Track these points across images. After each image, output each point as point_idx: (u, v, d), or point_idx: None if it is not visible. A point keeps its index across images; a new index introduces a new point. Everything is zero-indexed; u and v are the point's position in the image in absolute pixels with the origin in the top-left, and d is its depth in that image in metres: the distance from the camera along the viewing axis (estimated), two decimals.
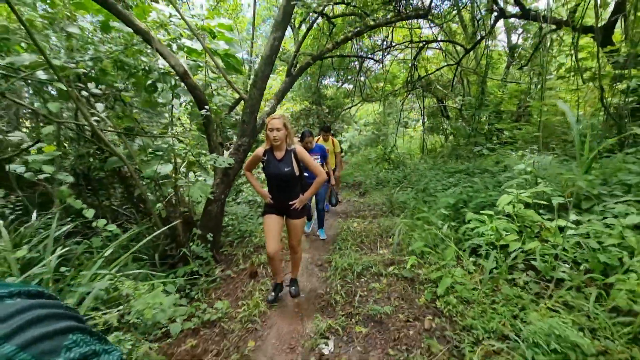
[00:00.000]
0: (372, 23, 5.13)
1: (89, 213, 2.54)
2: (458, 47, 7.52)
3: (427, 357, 1.76)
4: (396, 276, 2.71)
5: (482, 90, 5.96)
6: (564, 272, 1.97)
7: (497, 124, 6.69)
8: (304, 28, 5.82)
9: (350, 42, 7.38)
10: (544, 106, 6.42)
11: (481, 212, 2.64)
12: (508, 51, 8.46)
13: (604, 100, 3.71)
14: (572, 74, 4.28)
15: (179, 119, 5.42)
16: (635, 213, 2.01)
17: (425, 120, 9.34)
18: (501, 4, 6.84)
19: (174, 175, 3.24)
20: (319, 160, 3.83)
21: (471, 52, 7.18)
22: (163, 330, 2.19)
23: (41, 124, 4.97)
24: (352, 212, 5.08)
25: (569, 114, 1.73)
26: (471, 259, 2.50)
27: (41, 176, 2.27)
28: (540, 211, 2.61)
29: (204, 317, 2.45)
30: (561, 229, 2.27)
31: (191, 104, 4.48)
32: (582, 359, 1.47)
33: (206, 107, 3.19)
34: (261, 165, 2.45)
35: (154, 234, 2.74)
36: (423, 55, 8.53)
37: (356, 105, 10.32)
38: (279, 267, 2.58)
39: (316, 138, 4.67)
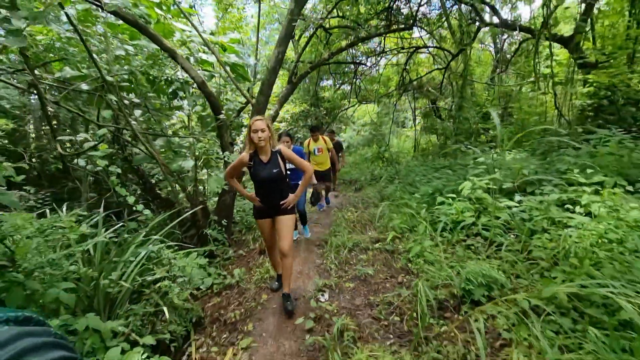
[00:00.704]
0: (364, 34, 5.81)
1: (130, 199, 3.18)
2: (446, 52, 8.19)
3: (397, 298, 2.42)
4: (380, 250, 3.37)
5: (460, 94, 6.63)
6: (501, 236, 2.63)
7: (481, 123, 7.35)
8: (304, 36, 6.48)
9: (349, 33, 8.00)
10: (526, 106, 7.08)
11: (446, 195, 3.30)
12: (494, 55, 9.15)
13: (557, 103, 4.38)
14: (539, 79, 4.95)
15: (183, 121, 6.08)
16: (557, 192, 2.67)
17: (418, 120, 10.01)
18: (487, 15, 7.52)
19: (194, 170, 3.90)
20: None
21: (459, 57, 7.85)
22: (198, 284, 2.84)
23: (63, 127, 5.62)
24: (347, 204, 5.74)
25: (496, 118, 2.38)
26: (439, 232, 3.15)
27: (97, 168, 2.92)
28: (497, 195, 3.27)
29: (224, 282, 3.10)
30: (509, 207, 2.93)
31: (200, 107, 5.15)
32: (501, 290, 2.12)
33: (222, 112, 3.85)
34: (248, 170, 2.51)
35: (183, 216, 3.40)
36: (416, 60, 9.20)
37: (352, 106, 10.98)
38: (278, 257, 2.74)
39: (307, 140, 5.12)
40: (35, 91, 2.67)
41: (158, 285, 2.35)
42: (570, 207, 2.55)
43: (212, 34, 4.92)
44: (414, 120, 9.04)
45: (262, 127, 2.32)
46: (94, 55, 3.46)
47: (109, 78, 2.94)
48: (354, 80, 8.99)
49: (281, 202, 2.50)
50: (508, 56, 8.62)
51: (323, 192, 5.64)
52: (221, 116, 3.82)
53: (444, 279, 2.34)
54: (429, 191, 4.11)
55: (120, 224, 3.08)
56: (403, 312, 2.27)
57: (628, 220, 2.01)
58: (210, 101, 4.10)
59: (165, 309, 2.12)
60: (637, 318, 1.36)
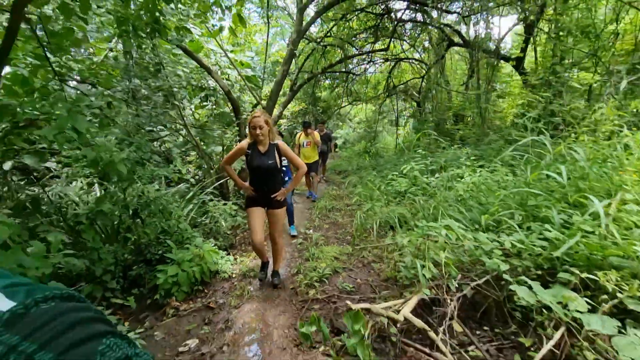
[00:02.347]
0: (351, 53, 7.61)
1: (184, 169, 4.98)
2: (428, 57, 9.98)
3: (351, 228, 4.25)
4: (349, 210, 5.20)
5: (423, 102, 8.45)
6: (418, 196, 4.46)
7: (451, 125, 9.18)
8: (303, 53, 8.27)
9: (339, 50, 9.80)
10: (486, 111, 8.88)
11: (392, 173, 5.14)
12: (469, 66, 10.96)
13: (482, 115, 6.21)
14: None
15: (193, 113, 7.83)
16: (454, 170, 4.49)
17: (403, 119, 11.83)
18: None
19: (222, 153, 5.71)
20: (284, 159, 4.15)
21: (433, 68, 9.65)
22: (232, 222, 4.65)
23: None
24: (334, 186, 7.57)
25: (411, 128, 4.12)
26: (386, 196, 4.98)
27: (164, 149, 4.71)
28: (428, 173, 5.10)
29: (246, 227, 4.92)
30: (432, 181, 4.77)
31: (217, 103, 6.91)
32: (407, 222, 3.94)
33: (245, 113, 5.65)
34: (244, 158, 2.77)
35: (217, 183, 5.20)
36: (400, 68, 10.98)
37: (344, 107, 12.78)
38: (264, 251, 3.05)
39: (299, 134, 6.13)
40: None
41: (211, 216, 4.17)
42: (459, 179, 4.38)
43: (232, 52, 6.71)
44: (397, 120, 10.80)
45: (261, 123, 2.55)
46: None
47: (175, 89, 4.72)
48: (346, 84, 10.76)
49: (273, 196, 2.75)
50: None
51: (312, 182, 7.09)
52: (243, 116, 5.62)
53: (378, 217, 4.18)
54: (391, 174, 5.94)
55: (180, 186, 4.88)
56: (352, 235, 4.10)
57: (475, 182, 3.83)
58: (233, 105, 5.90)
59: (223, 223, 3.95)
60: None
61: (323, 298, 2.75)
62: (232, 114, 6.14)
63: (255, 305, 2.84)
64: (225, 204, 4.78)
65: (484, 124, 6.17)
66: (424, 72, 9.83)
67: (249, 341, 2.42)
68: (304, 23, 6.22)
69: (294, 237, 4.41)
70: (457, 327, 2.02)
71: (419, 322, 1.67)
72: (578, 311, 1.51)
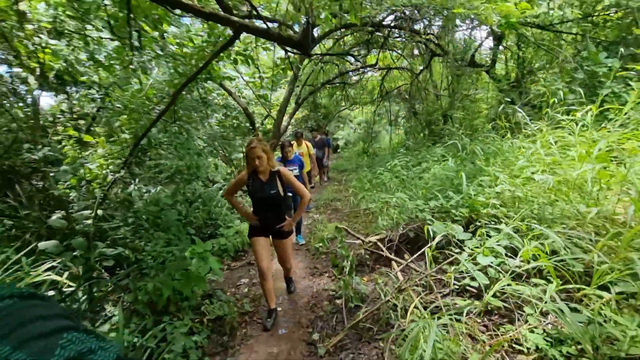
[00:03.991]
0: (347, 66, 9.17)
1: (217, 174, 6.56)
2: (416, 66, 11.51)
3: (348, 211, 5.80)
4: (347, 199, 6.75)
5: (411, 107, 9.96)
6: (395, 184, 5.98)
7: (436, 125, 10.67)
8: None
9: (336, 66, 11.42)
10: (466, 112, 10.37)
11: (380, 169, 6.68)
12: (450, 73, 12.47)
13: (451, 119, 7.70)
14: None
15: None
16: (425, 164, 6.00)
17: (396, 121, 13.35)
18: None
19: (243, 159, 7.28)
20: (297, 170, 4.37)
21: (421, 74, 11.16)
22: None
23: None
24: (335, 182, 9.13)
25: (385, 135, 5.62)
26: (375, 187, 6.50)
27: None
28: (409, 168, 6.63)
29: None
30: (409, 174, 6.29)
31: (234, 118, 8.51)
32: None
33: (257, 127, 7.22)
34: (246, 188, 2.72)
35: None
36: (392, 75, 12.50)
37: (343, 110, 14.34)
38: (272, 288, 2.91)
39: (292, 142, 7.04)
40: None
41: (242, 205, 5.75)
42: (428, 170, 5.89)
43: (246, 74, 8.31)
44: (390, 122, 12.28)
45: (259, 154, 2.50)
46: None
47: (209, 112, 6.31)
48: (343, 91, 12.30)
49: (278, 226, 2.73)
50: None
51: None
52: (259, 129, 7.19)
53: (366, 201, 5.72)
54: (381, 170, 7.47)
55: (217, 184, 6.46)
56: (348, 215, 5.64)
57: (434, 173, 5.34)
58: (249, 118, 7.49)
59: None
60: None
61: (326, 251, 4.30)
62: (249, 126, 7.74)
63: None
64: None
65: (452, 126, 7.69)
66: (414, 78, 11.35)
67: (281, 276, 3.97)
68: None
69: (302, 245, 4.83)
70: (406, 255, 3.56)
71: (375, 240, 3.20)
72: (456, 232, 3.04)
